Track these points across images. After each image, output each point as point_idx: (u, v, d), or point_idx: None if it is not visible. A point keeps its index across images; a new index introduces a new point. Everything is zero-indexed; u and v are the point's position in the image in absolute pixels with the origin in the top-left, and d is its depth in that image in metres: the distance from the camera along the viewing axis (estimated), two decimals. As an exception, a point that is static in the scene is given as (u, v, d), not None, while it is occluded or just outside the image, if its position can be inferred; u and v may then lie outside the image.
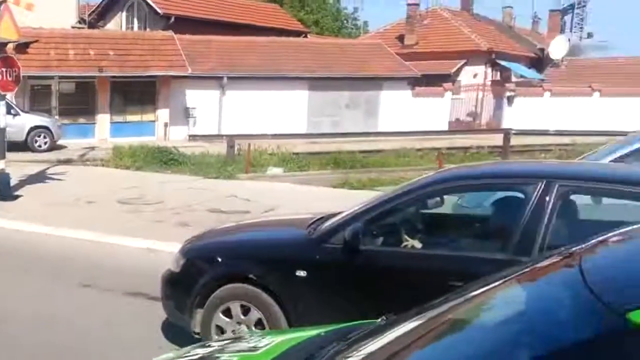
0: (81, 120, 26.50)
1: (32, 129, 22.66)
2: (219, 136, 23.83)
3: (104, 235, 10.26)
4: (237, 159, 19.48)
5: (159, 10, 31.48)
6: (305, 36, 37.48)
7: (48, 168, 17.81)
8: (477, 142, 26.13)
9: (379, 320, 3.00)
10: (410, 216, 5.31)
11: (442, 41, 37.41)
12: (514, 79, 38.22)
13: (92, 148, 23.30)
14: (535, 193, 4.41)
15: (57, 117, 24.70)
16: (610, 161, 7.16)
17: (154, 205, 12.81)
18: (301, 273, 5.01)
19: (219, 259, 5.57)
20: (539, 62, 42.02)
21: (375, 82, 31.54)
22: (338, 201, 11.70)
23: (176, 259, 5.83)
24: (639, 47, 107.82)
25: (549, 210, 4.35)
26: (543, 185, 4.41)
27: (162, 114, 27.30)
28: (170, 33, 28.42)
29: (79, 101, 26.53)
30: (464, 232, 5.38)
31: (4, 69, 12.89)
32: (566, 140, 25.10)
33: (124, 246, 9.79)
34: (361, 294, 4.90)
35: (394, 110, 31.12)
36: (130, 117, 27.17)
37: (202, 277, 5.51)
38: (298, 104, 29.66)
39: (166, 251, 8.43)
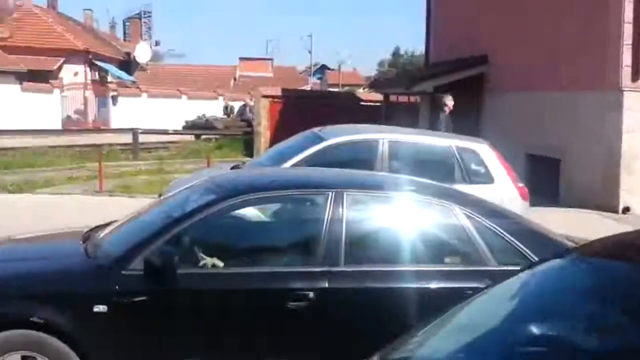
0: None
1: None
2: None
3: None
4: None
5: None
6: None
7: None
8: (98, 140, 24.29)
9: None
10: (213, 232, 4.52)
11: (37, 37, 34.22)
12: (110, 79, 37.30)
13: None
14: (329, 202, 4.25)
15: None
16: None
17: None
18: (100, 308, 3.92)
19: None
20: (127, 64, 41.78)
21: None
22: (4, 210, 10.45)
23: None
24: (203, 56, 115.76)
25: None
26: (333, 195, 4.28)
27: None
28: None
29: None
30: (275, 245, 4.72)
31: None
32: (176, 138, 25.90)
33: None
34: (178, 328, 4.08)
35: (2, 105, 27.20)
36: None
37: None
38: None
39: None
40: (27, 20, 35.43)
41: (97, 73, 36.27)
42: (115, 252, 4.20)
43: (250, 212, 4.74)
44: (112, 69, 37.84)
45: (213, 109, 30.47)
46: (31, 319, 3.91)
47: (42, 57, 32.49)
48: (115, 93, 33.07)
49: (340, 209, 4.21)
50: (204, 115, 27.98)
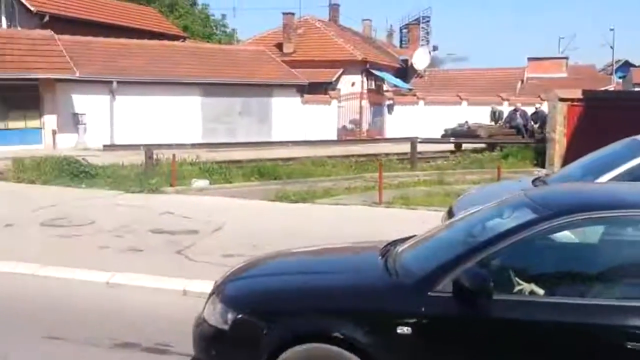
0: (-51, 127, 21.55)
1: None
2: (136, 146, 20.20)
3: (45, 267, 7.86)
4: (156, 170, 16.31)
5: (31, 8, 26.78)
6: (183, 40, 34.14)
7: None
8: (373, 150, 24.73)
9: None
10: (531, 255, 4.10)
11: (318, 50, 36.04)
12: (385, 88, 37.73)
13: (-31, 159, 18.75)
14: None
15: None
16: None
17: (84, 227, 10.31)
18: (404, 330, 3.77)
19: (287, 313, 4.16)
20: (404, 72, 42.00)
21: (265, 88, 29.38)
22: (292, 218, 11.20)
23: (220, 311, 4.28)
24: (486, 59, 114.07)
25: None
26: None
27: (49, 121, 23.00)
28: (50, 32, 24.17)
29: (-54, 104, 21.60)
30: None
31: None
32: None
33: (76, 281, 7.52)
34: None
35: (285, 117, 29.21)
36: (13, 124, 22.60)
37: (266, 337, 4.03)
38: (191, 111, 26.66)
39: (129, 285, 7.30)
40: (309, 34, 37.53)
41: (373, 82, 36.92)
42: (420, 271, 4.04)
43: (563, 234, 4.21)
44: (388, 77, 38.18)
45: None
46: (332, 334, 3.92)
47: (322, 69, 33.97)
48: (391, 101, 33.19)
49: None
50: (466, 122, 26.42)
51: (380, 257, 4.48)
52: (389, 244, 4.80)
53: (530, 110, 26.85)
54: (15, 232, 9.86)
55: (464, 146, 25.01)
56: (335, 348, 3.90)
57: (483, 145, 24.66)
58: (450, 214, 7.47)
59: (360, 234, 8.54)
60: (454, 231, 4.72)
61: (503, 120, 27.23)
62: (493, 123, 27.47)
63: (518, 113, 25.93)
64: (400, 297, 3.96)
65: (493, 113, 28.85)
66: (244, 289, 4.60)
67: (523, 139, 24.56)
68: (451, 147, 25.14)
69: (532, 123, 25.56)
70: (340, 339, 3.88)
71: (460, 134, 25.41)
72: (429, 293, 3.84)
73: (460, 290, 3.73)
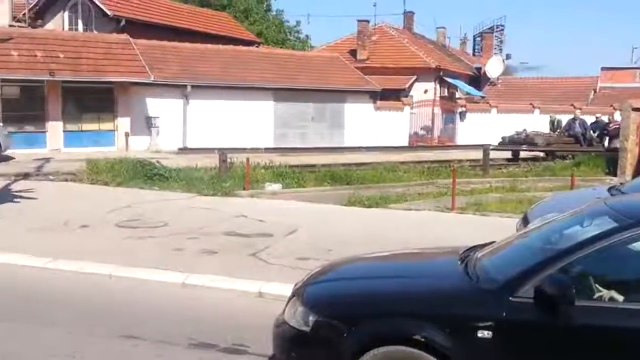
0: (28, 128, 22.29)
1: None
2: (209, 149, 20.50)
3: (121, 268, 7.90)
4: (229, 173, 16.37)
5: (108, 12, 27.61)
6: (258, 46, 34.50)
7: (10, 184, 14.33)
8: (445, 157, 24.50)
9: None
10: (612, 262, 4.10)
11: (391, 57, 36.01)
12: (458, 95, 37.33)
13: (47, 159, 19.34)
14: None
15: (0, 124, 20.42)
16: None
17: (159, 229, 10.36)
18: (485, 334, 3.83)
19: (368, 316, 4.23)
20: (476, 80, 41.51)
21: (338, 94, 29.34)
22: (365, 223, 11.12)
23: (301, 313, 4.36)
24: (559, 68, 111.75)
25: None
26: None
27: (123, 123, 23.52)
28: (125, 36, 24.76)
29: (26, 107, 22.37)
30: None
31: None
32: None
33: (152, 282, 7.55)
34: None
35: (357, 123, 29.15)
36: (87, 126, 23.19)
37: (346, 339, 4.11)
38: (264, 115, 26.83)
39: (204, 286, 7.28)
40: (383, 41, 37.53)
41: (446, 89, 36.68)
42: (501, 277, 4.09)
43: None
44: (461, 84, 37.99)
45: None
46: (413, 337, 3.99)
47: (395, 76, 33.83)
48: (463, 109, 32.76)
49: None
50: (524, 130, 25.82)
51: (459, 262, 4.56)
52: (468, 249, 4.88)
53: (590, 119, 26.37)
54: (92, 233, 9.99)
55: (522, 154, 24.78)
56: (415, 351, 3.97)
57: (541, 154, 24.44)
58: (525, 220, 7.47)
59: (434, 239, 8.48)
60: (534, 238, 4.76)
61: (562, 128, 26.67)
62: (552, 132, 27.05)
63: (577, 122, 25.37)
64: (482, 302, 4.02)
65: (552, 122, 28.24)
66: (324, 292, 4.66)
67: (581, 147, 24.23)
68: (508, 154, 25.04)
69: (592, 132, 25.19)
70: (421, 342, 3.96)
71: (517, 142, 25.01)
72: (510, 298, 3.91)
73: (542, 296, 3.79)
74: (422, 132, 32.47)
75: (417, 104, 32.50)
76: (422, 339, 3.97)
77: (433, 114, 32.47)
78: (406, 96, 33.15)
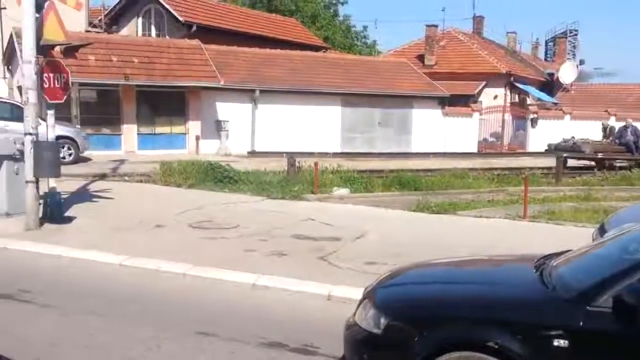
0: (105, 130, 23.15)
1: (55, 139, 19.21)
2: (277, 153, 20.85)
3: (195, 267, 8.14)
4: (297, 177, 16.59)
5: (180, 18, 28.33)
6: (325, 51, 34.73)
7: (88, 184, 14.91)
8: (515, 164, 24.11)
9: None
10: None
11: (460, 62, 35.72)
12: (529, 101, 36.59)
13: (122, 161, 20.00)
14: None
15: (78, 126, 21.25)
16: None
17: (230, 230, 10.61)
18: (561, 343, 3.80)
19: (441, 320, 4.23)
20: (548, 85, 40.60)
21: (406, 100, 29.18)
22: (434, 229, 11.11)
23: (372, 315, 4.40)
24: (635, 75, 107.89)
25: None
26: None
27: (193, 127, 24.13)
28: (197, 42, 25.34)
29: (102, 110, 23.22)
30: None
31: (50, 75, 10.50)
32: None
33: (224, 281, 7.75)
34: None
35: (425, 129, 28.97)
36: (159, 129, 23.92)
37: (418, 343, 4.13)
38: (331, 120, 27.00)
39: (275, 287, 7.45)
40: (452, 46, 37.23)
41: (516, 95, 36.01)
42: (579, 286, 4.07)
43: None
44: (532, 90, 37.23)
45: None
46: (487, 343, 3.98)
47: (464, 82, 33.48)
48: (534, 115, 32.05)
49: None
50: (572, 137, 25.01)
51: (534, 270, 4.53)
52: (543, 257, 4.83)
53: None
54: (166, 233, 10.32)
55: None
56: (488, 357, 3.97)
57: (591, 163, 23.75)
58: (602, 230, 7.39)
59: (506, 247, 8.47)
60: (612, 247, 4.70)
61: (613, 136, 25.57)
62: (604, 139, 26.00)
63: (629, 129, 24.33)
64: (558, 310, 3.99)
65: (604, 128, 27.15)
66: (396, 295, 4.72)
67: (632, 156, 23.43)
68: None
69: None
70: (495, 349, 3.95)
71: (564, 149, 24.03)
72: (587, 308, 3.88)
73: (621, 306, 3.76)
74: (491, 139, 32.01)
75: (487, 110, 32.05)
76: (496, 346, 3.95)
77: (503, 120, 32.00)
78: (475, 102, 32.77)
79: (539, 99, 37.13)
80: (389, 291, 4.77)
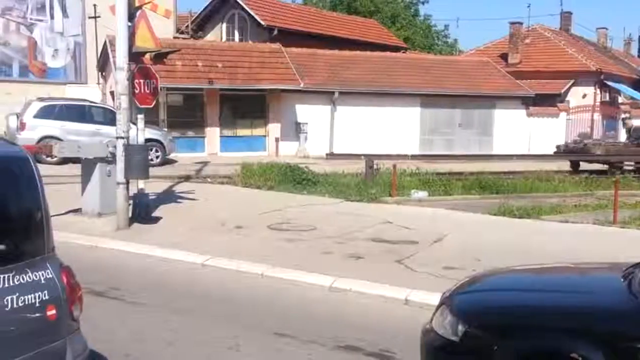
0: (190, 133, 24.06)
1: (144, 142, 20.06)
2: (356, 155, 21.03)
3: (273, 268, 8.36)
4: (375, 180, 16.62)
5: (262, 22, 28.92)
6: (405, 51, 34.60)
7: (173, 186, 15.44)
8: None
9: None
10: None
11: (546, 60, 34.64)
12: (621, 100, 35.17)
13: (205, 163, 20.64)
14: None
15: (165, 129, 22.07)
16: None
17: (307, 232, 10.77)
18: None
19: (521, 329, 4.12)
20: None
21: (488, 100, 28.74)
22: (516, 234, 10.79)
23: (450, 322, 4.33)
24: None
25: None
26: None
27: (273, 129, 24.67)
28: (278, 45, 25.84)
29: (187, 114, 24.08)
30: None
31: (141, 81, 11.01)
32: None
33: (302, 283, 7.91)
34: None
35: (508, 130, 28.45)
36: (241, 132, 24.58)
37: (497, 351, 4.03)
38: (410, 121, 26.95)
39: (351, 290, 7.52)
40: (537, 44, 36.22)
41: (607, 94, 34.69)
42: None
43: None
44: (624, 88, 35.74)
45: None
46: (570, 354, 3.87)
47: (550, 80, 32.56)
48: (627, 114, 30.88)
49: None
50: (582, 138, 23.74)
51: (622, 280, 4.38)
52: (632, 266, 4.62)
53: None
54: (246, 234, 10.61)
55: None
56: None
57: (603, 167, 22.34)
58: None
59: (593, 254, 8.19)
60: None
61: (631, 137, 24.32)
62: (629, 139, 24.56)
63: None
64: None
65: (628, 129, 25.63)
66: (475, 302, 4.62)
67: None
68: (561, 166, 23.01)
69: None
70: None
71: (574, 151, 22.89)
72: None
73: None
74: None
75: (575, 109, 31.14)
76: (580, 357, 3.84)
77: (592, 120, 31.08)
78: (562, 101, 31.83)
79: (632, 98, 35.64)
80: (467, 297, 4.69)
